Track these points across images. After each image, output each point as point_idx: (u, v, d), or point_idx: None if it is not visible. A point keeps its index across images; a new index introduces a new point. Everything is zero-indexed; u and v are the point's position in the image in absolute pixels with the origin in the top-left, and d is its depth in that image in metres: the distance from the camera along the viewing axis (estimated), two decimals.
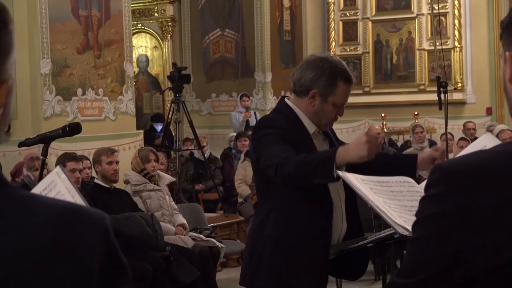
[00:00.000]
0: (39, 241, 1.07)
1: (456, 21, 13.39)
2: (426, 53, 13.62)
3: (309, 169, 2.94)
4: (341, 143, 3.36)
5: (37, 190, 2.74)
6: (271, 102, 12.44)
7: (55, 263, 1.06)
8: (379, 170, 3.15)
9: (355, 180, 2.97)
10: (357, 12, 14.10)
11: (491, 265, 1.22)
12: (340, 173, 2.93)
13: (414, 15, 13.75)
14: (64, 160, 5.82)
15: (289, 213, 3.18)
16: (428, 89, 13.15)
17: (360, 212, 3.44)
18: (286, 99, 3.30)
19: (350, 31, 14.21)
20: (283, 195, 3.19)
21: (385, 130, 12.26)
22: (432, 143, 10.60)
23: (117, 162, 6.08)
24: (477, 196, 1.24)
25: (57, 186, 2.71)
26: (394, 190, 3.01)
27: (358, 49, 14.13)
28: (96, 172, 6.22)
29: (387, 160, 3.48)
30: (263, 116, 3.36)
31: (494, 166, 1.27)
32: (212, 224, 7.42)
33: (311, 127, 3.24)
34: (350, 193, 3.21)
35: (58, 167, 2.90)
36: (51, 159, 6.84)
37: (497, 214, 1.23)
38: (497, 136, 9.27)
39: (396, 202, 2.92)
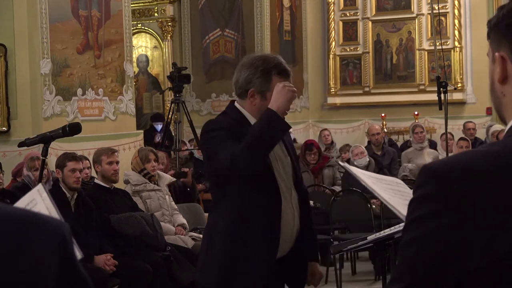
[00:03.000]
0: None
1: (456, 21, 13.39)
2: (426, 53, 13.63)
3: (263, 138, 3.02)
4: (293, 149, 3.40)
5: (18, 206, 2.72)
6: None
7: (7, 270, 1.04)
8: None
9: (359, 172, 3.03)
10: (357, 12, 14.10)
11: (481, 263, 1.23)
12: (341, 163, 3.00)
13: (414, 15, 13.75)
14: (64, 160, 5.82)
15: (239, 209, 3.21)
16: (428, 89, 13.16)
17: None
18: (235, 103, 3.29)
19: (350, 31, 14.21)
20: (234, 193, 3.21)
21: (385, 130, 12.26)
22: (432, 143, 10.60)
23: (117, 162, 6.08)
24: (464, 195, 1.25)
25: (38, 205, 2.69)
26: (393, 188, 3.05)
27: (358, 49, 14.14)
28: (96, 172, 6.22)
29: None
30: (209, 120, 3.33)
31: (479, 166, 1.28)
32: None
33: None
34: (303, 195, 3.34)
35: (40, 184, 2.88)
36: (51, 159, 6.84)
37: (483, 212, 1.24)
38: (497, 136, 9.27)
39: (397, 199, 2.95)
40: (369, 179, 3.04)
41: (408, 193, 3.03)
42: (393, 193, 3.01)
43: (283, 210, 3.22)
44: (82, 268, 1.12)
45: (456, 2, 13.36)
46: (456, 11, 13.39)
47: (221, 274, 3.20)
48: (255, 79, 3.16)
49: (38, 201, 2.71)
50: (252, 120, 3.21)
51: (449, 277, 1.26)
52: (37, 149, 6.50)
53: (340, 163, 3.13)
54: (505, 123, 1.37)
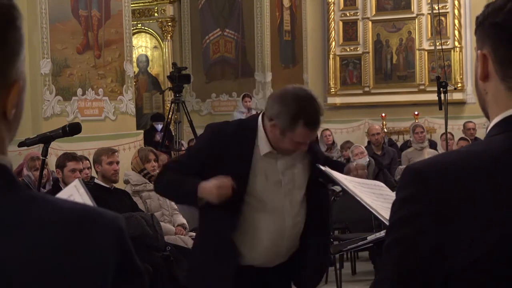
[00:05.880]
0: (50, 241, 1.05)
1: (456, 21, 13.40)
2: (426, 53, 13.63)
3: (175, 194, 3.28)
4: (317, 161, 3.35)
5: None
6: None
7: (65, 264, 1.05)
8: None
9: (342, 177, 3.03)
10: (357, 12, 14.11)
11: (466, 262, 1.23)
12: (321, 167, 3.10)
13: (414, 15, 13.75)
14: (64, 160, 5.82)
15: (203, 223, 3.41)
16: (428, 89, 13.16)
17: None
18: (262, 115, 3.29)
19: (350, 31, 14.22)
20: (201, 208, 3.38)
21: (385, 130, 12.26)
22: (432, 143, 10.60)
23: (117, 162, 6.08)
24: (447, 195, 1.25)
25: (76, 200, 2.70)
26: (375, 192, 3.05)
27: (358, 49, 14.14)
28: (97, 172, 6.22)
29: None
30: (215, 123, 3.44)
31: (462, 165, 1.28)
32: None
33: (265, 148, 3.24)
34: (315, 204, 3.32)
35: (77, 180, 2.89)
36: (51, 159, 6.84)
37: (467, 211, 1.24)
38: None
39: (379, 203, 2.96)
40: (351, 183, 3.04)
41: (391, 196, 3.04)
42: (375, 197, 3.01)
43: (264, 223, 3.25)
44: (138, 260, 1.14)
45: (456, 2, 13.37)
46: (456, 11, 13.39)
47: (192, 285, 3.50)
48: (283, 118, 3.12)
49: (76, 197, 2.72)
50: (262, 139, 3.23)
51: (434, 278, 1.26)
52: (37, 149, 6.50)
53: (321, 167, 3.13)
54: (490, 121, 1.37)
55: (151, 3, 13.31)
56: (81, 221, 1.09)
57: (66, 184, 5.67)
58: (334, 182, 3.21)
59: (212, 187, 3.06)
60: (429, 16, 13.20)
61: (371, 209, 2.88)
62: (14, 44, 1.10)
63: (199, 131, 10.21)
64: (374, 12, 14.02)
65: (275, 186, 3.26)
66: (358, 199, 2.93)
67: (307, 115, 3.13)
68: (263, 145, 3.23)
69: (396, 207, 1.31)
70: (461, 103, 13.16)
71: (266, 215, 3.25)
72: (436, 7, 11.93)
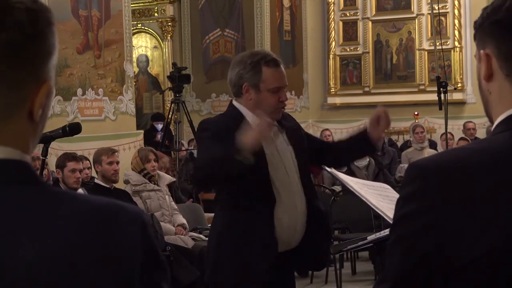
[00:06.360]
0: (78, 236, 1.06)
1: (456, 21, 13.40)
2: (426, 53, 13.63)
3: (220, 169, 3.05)
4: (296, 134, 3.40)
5: None
6: None
7: (91, 260, 1.06)
8: (340, 159, 3.36)
9: (347, 179, 3.05)
10: (357, 12, 14.10)
11: (469, 259, 1.23)
12: (327, 169, 3.14)
13: (414, 15, 13.75)
14: (64, 160, 5.82)
15: (233, 208, 3.28)
16: (428, 89, 13.16)
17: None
18: (233, 101, 3.38)
19: (350, 31, 14.21)
20: (228, 194, 3.32)
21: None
22: (432, 143, 10.61)
23: (117, 162, 6.08)
24: (451, 192, 1.25)
25: None
26: (381, 194, 3.07)
27: (358, 49, 14.14)
28: (97, 172, 6.22)
29: (344, 146, 3.51)
30: (203, 120, 3.44)
31: (465, 162, 1.28)
32: None
33: (254, 122, 3.26)
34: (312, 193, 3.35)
35: (80, 190, 2.90)
36: (51, 159, 6.85)
37: (470, 208, 1.24)
38: None
39: (385, 204, 2.97)
40: (356, 184, 3.06)
41: (397, 197, 3.05)
42: (381, 198, 3.03)
43: (287, 205, 3.25)
44: (161, 253, 1.16)
45: (456, 2, 13.36)
46: (456, 11, 13.39)
47: (222, 271, 3.29)
48: (246, 74, 3.25)
49: None
50: (249, 116, 3.27)
51: (438, 274, 1.26)
52: (37, 149, 6.49)
53: (327, 168, 3.17)
54: (492, 123, 1.37)
55: (151, 3, 13.31)
56: (107, 215, 1.10)
57: (66, 184, 5.67)
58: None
59: (249, 132, 2.97)
60: (429, 16, 13.19)
61: (377, 210, 2.89)
62: (49, 44, 1.12)
63: None
64: (374, 12, 14.02)
65: (284, 161, 3.30)
66: (364, 199, 2.94)
67: (264, 57, 3.28)
68: (253, 120, 3.26)
69: (400, 204, 1.31)
70: (461, 103, 13.16)
71: (285, 192, 3.26)
72: (436, 7, 11.92)
